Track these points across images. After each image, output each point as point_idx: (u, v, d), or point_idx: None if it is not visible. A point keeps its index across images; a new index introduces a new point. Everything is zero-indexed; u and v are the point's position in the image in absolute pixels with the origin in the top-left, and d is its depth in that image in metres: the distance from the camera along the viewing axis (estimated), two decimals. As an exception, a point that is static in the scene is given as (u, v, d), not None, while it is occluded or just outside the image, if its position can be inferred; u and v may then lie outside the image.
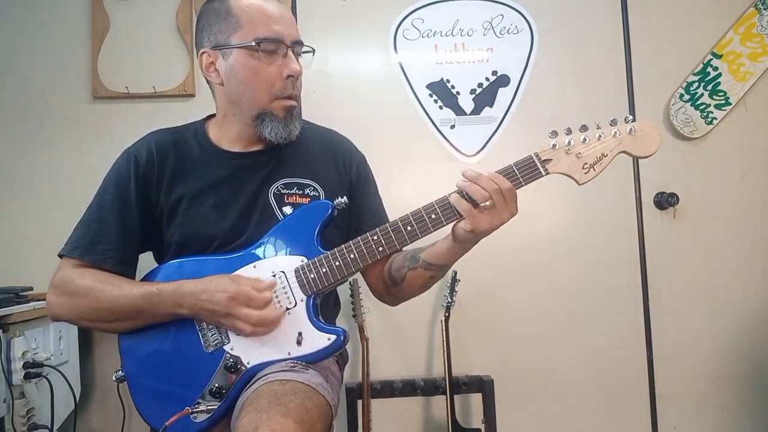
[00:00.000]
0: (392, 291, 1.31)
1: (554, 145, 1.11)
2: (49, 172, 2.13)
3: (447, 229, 1.17)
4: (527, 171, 1.11)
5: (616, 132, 1.10)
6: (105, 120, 2.14)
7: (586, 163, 1.10)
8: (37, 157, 2.14)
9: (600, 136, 1.10)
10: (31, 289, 1.80)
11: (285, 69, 1.21)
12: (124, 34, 2.16)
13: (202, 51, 1.27)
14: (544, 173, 1.11)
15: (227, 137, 1.31)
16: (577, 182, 1.11)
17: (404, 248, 1.30)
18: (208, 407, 1.12)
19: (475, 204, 1.08)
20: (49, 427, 1.66)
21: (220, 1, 1.26)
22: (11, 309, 1.59)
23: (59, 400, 1.69)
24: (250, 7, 1.22)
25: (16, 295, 1.70)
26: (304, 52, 1.28)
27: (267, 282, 1.14)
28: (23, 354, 1.60)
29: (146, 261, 1.34)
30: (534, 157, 1.11)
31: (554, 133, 1.11)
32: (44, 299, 1.73)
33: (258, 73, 1.21)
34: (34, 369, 1.62)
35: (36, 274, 1.94)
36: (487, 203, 1.07)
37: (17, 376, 1.58)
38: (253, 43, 1.20)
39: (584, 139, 1.10)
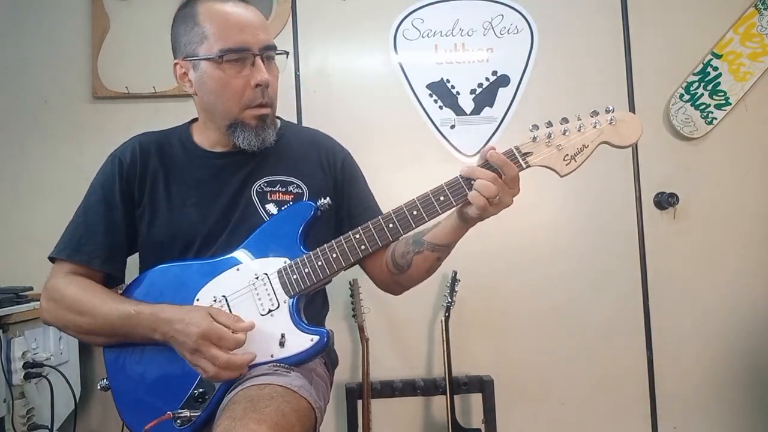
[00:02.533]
0: (398, 279, 1.30)
1: (535, 138, 1.10)
2: (49, 172, 2.13)
3: (429, 223, 1.17)
4: None
5: (596, 123, 1.09)
6: (105, 120, 2.14)
7: (567, 155, 1.09)
8: (37, 157, 2.14)
9: (580, 127, 1.09)
10: (31, 289, 1.80)
11: (252, 78, 1.20)
12: (124, 34, 2.16)
13: (174, 62, 1.28)
14: (524, 166, 1.10)
15: (209, 140, 1.32)
16: (559, 174, 1.10)
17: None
18: (191, 413, 1.11)
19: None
20: (49, 427, 1.66)
21: (188, 8, 1.25)
22: (11, 309, 1.59)
23: (59, 400, 1.69)
24: (213, 17, 1.21)
25: (16, 295, 1.70)
26: (277, 54, 1.27)
27: (245, 323, 1.11)
28: (23, 354, 1.60)
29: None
30: (514, 150, 1.11)
31: (535, 127, 1.11)
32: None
33: (225, 84, 1.21)
34: (34, 369, 1.62)
35: (36, 274, 1.92)
36: (497, 199, 1.07)
37: (17, 376, 1.58)
38: (217, 56, 1.19)
39: (564, 131, 1.09)
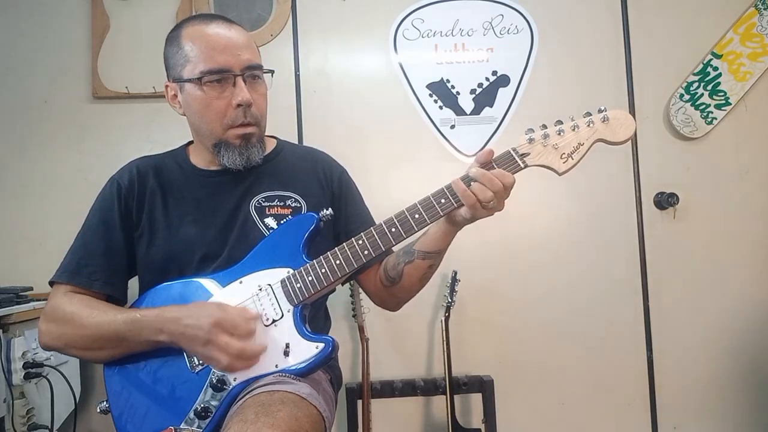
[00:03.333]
0: (392, 291, 1.30)
1: (531, 140, 1.13)
2: (49, 172, 2.13)
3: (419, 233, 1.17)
4: (506, 165, 1.12)
5: (590, 122, 1.13)
6: (105, 120, 2.15)
7: (564, 153, 1.12)
8: (37, 157, 2.14)
9: (575, 127, 1.13)
10: (31, 289, 1.80)
11: (234, 98, 1.22)
12: (124, 34, 2.16)
13: (165, 84, 1.30)
14: (523, 166, 1.12)
15: (203, 160, 1.34)
16: (557, 172, 1.12)
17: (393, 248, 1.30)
18: (194, 430, 1.10)
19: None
20: (49, 427, 1.66)
21: (175, 31, 1.28)
22: (11, 309, 1.60)
23: (59, 400, 1.69)
24: (195, 40, 1.23)
25: (16, 295, 1.70)
26: (264, 73, 1.28)
27: (254, 313, 1.12)
28: (23, 354, 1.60)
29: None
30: (512, 152, 1.13)
31: (530, 130, 1.14)
32: (44, 299, 1.74)
33: (208, 105, 1.23)
34: (34, 369, 1.62)
35: (36, 274, 1.94)
36: (491, 204, 1.08)
37: (17, 376, 1.58)
38: (197, 77, 1.21)
39: (559, 131, 1.13)
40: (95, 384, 2.08)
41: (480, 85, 2.23)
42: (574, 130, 1.12)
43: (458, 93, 2.23)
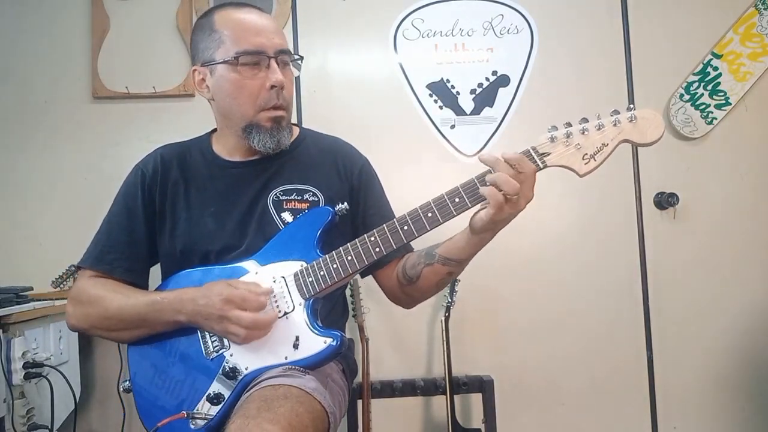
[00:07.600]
0: (407, 290, 1.30)
1: (553, 138, 1.08)
2: (49, 172, 2.13)
3: (445, 228, 1.15)
4: None
5: (616, 121, 1.07)
6: (105, 120, 2.15)
7: (586, 154, 1.06)
8: (37, 157, 2.14)
9: (600, 126, 1.07)
10: (31, 289, 1.80)
11: (267, 80, 1.23)
12: (124, 34, 2.17)
13: (193, 68, 1.31)
14: (542, 166, 1.08)
15: (226, 148, 1.34)
16: (578, 173, 1.07)
17: (414, 247, 1.31)
18: (207, 414, 1.12)
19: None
20: (49, 427, 1.66)
21: (206, 17, 1.29)
22: (11, 309, 1.59)
23: (59, 400, 1.69)
24: (230, 22, 1.25)
25: (16, 295, 1.69)
26: (293, 61, 1.29)
27: (264, 288, 1.15)
28: (23, 354, 1.60)
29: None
30: (531, 151, 1.08)
31: (554, 128, 1.09)
32: (44, 299, 1.75)
33: (241, 86, 1.24)
34: (34, 369, 1.62)
35: (36, 274, 1.94)
36: (514, 198, 1.04)
37: (17, 376, 1.58)
38: (233, 58, 1.22)
39: (583, 130, 1.07)
40: (95, 384, 2.08)
41: (480, 85, 2.23)
42: (599, 129, 1.06)
43: (458, 93, 2.23)
